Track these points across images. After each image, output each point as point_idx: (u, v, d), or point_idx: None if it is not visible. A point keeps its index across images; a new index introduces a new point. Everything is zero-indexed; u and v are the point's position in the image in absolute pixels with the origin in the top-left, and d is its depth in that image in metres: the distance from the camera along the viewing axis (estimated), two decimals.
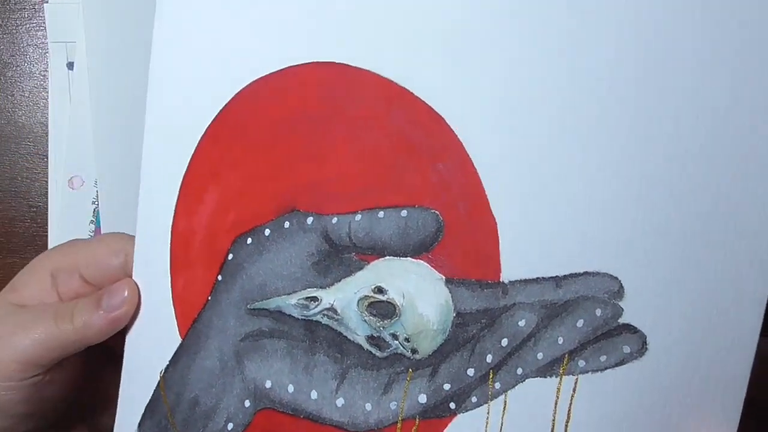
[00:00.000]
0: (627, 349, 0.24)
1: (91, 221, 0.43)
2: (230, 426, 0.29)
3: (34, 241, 0.45)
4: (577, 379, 0.25)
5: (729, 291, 0.23)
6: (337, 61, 0.28)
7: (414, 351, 0.27)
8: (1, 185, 0.43)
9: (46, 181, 0.43)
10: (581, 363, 0.24)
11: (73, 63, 0.42)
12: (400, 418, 0.26)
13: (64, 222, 0.42)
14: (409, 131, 0.27)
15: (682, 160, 0.24)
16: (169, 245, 0.30)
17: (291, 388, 0.28)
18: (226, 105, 0.29)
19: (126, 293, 0.30)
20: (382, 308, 0.27)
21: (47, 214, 0.43)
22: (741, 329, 0.23)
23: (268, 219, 0.29)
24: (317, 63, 0.28)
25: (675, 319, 0.24)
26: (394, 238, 0.27)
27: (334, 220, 0.27)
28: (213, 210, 0.29)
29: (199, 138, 0.30)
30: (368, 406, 0.27)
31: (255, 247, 0.29)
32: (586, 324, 0.24)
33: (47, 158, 0.42)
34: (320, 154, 0.28)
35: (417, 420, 0.26)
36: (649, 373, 0.24)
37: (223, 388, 0.29)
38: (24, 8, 0.43)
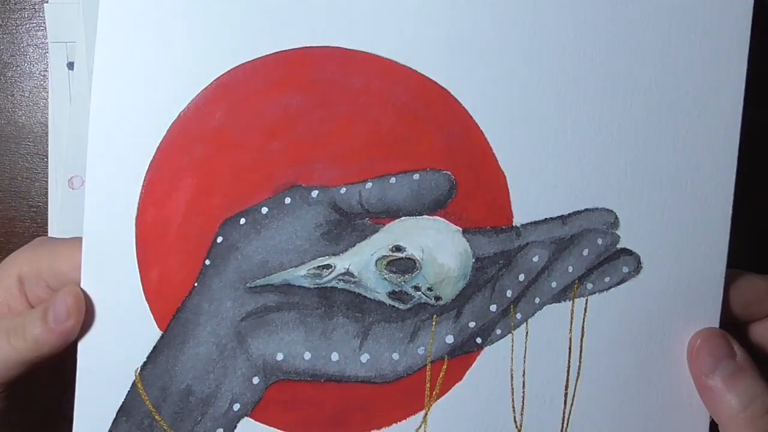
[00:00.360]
0: (626, 269, 0.29)
1: None
2: (236, 407, 0.29)
3: None
4: (587, 300, 0.29)
5: (698, 216, 0.29)
6: (331, 45, 0.29)
7: (438, 298, 0.29)
8: (1, 185, 0.43)
9: (46, 181, 0.43)
10: (589, 286, 0.29)
11: (73, 63, 0.42)
12: (429, 361, 0.30)
13: (64, 222, 0.42)
14: (413, 104, 0.29)
15: (652, 110, 0.28)
16: (134, 239, 0.29)
17: (308, 356, 0.29)
18: (203, 91, 0.30)
19: (70, 302, 0.29)
20: (401, 265, 0.29)
21: (47, 214, 0.42)
22: (712, 247, 0.29)
23: (262, 198, 0.29)
24: (308, 48, 0.29)
25: (661, 241, 0.28)
26: (408, 200, 0.29)
27: (343, 190, 0.29)
28: (192, 196, 0.29)
29: (168, 126, 0.29)
30: (395, 356, 0.29)
31: (251, 226, 0.29)
32: (591, 252, 0.29)
33: (47, 158, 0.42)
34: (319, 131, 0.29)
35: (446, 359, 0.29)
36: (645, 286, 0.29)
37: (223, 371, 0.29)
38: (24, 8, 0.42)
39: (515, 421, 0.29)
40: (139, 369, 0.29)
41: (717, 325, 0.28)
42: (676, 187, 0.28)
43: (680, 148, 0.28)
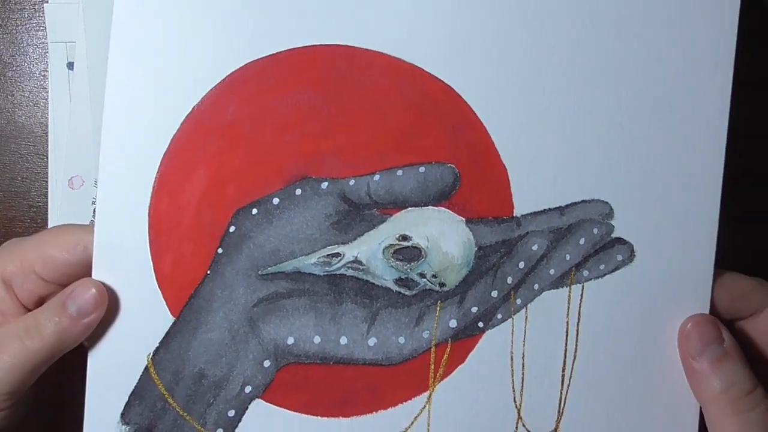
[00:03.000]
0: (620, 257, 0.31)
1: (92, 221, 0.43)
2: (248, 389, 0.31)
3: None
4: (583, 286, 0.31)
5: (689, 209, 0.31)
6: (341, 44, 0.31)
7: (442, 284, 0.32)
8: (1, 185, 0.44)
9: (46, 181, 0.43)
10: (585, 273, 0.31)
11: (73, 63, 0.42)
12: (433, 344, 0.32)
13: (64, 222, 0.41)
14: (419, 101, 0.31)
15: (643, 106, 0.31)
16: (146, 229, 0.31)
17: (317, 340, 0.31)
18: (215, 86, 0.32)
19: (93, 291, 0.29)
20: (407, 253, 0.32)
21: (47, 214, 0.43)
22: (701, 237, 0.31)
23: (274, 189, 0.31)
24: (318, 46, 0.31)
25: (653, 231, 0.31)
26: (415, 192, 0.31)
27: (352, 182, 0.32)
28: (204, 186, 0.31)
29: (181, 121, 0.31)
30: (401, 340, 0.31)
31: (263, 216, 0.31)
32: (587, 241, 0.31)
33: (47, 158, 0.43)
34: (329, 126, 0.32)
35: (449, 342, 0.32)
36: (639, 274, 0.31)
37: (235, 355, 0.31)
38: (24, 8, 0.43)
39: (515, 401, 0.32)
40: (151, 354, 0.31)
41: (707, 311, 0.31)
42: (667, 180, 0.31)
43: (671, 143, 0.31)
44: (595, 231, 0.31)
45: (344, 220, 0.32)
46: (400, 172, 0.31)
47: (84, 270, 0.31)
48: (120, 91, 0.32)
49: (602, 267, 0.31)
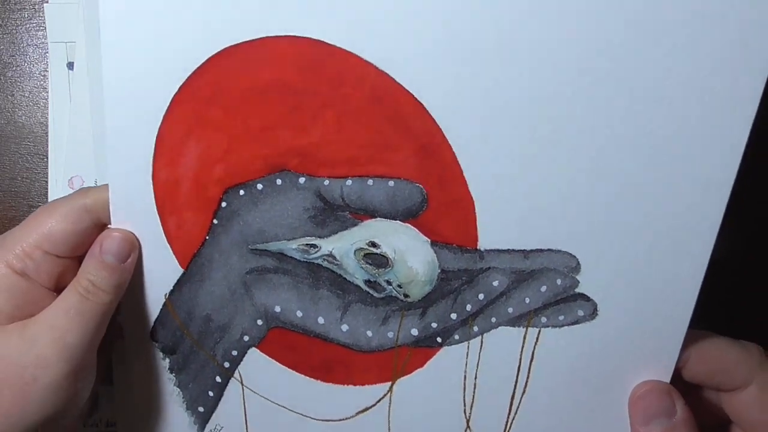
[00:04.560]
0: (581, 312, 0.29)
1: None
2: (246, 338, 0.35)
3: None
4: (539, 331, 0.30)
5: (666, 276, 0.28)
6: (313, 37, 0.30)
7: (406, 295, 0.33)
8: (1, 185, 0.44)
9: (46, 181, 0.43)
10: (543, 319, 0.30)
11: (73, 63, 0.42)
12: (396, 345, 0.34)
13: None
14: (391, 113, 0.29)
15: (632, 161, 0.27)
16: (152, 193, 0.33)
17: (299, 314, 0.33)
18: (199, 66, 0.32)
19: (120, 235, 0.31)
20: (376, 259, 0.32)
21: None
22: (676, 306, 0.29)
23: (258, 175, 0.32)
24: (294, 37, 0.30)
25: (622, 292, 0.28)
26: (384, 204, 0.31)
27: (326, 182, 0.32)
28: (197, 162, 0.32)
29: (170, 98, 0.32)
30: (369, 333, 0.33)
31: (248, 198, 0.32)
32: (549, 290, 0.30)
33: (47, 158, 0.43)
34: (304, 122, 0.31)
35: (410, 348, 0.33)
36: (599, 332, 0.30)
37: (234, 309, 0.34)
38: (24, 8, 0.43)
39: (465, 413, 0.33)
40: (168, 294, 0.35)
41: (667, 380, 0.29)
42: (647, 244, 0.27)
43: (658, 205, 0.27)
44: (559, 282, 0.29)
45: (320, 215, 0.33)
46: (370, 182, 0.31)
47: (91, 235, 0.32)
48: (116, 68, 0.33)
49: (561, 318, 0.30)
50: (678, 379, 0.30)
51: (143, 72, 0.32)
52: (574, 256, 0.28)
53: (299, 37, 0.30)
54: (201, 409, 0.38)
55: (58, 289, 0.34)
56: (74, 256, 0.33)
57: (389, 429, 0.35)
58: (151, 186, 0.34)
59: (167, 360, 0.37)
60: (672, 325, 0.28)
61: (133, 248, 0.32)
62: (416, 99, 0.29)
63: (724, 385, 0.29)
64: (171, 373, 0.37)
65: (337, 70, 0.30)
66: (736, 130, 0.26)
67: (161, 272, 0.35)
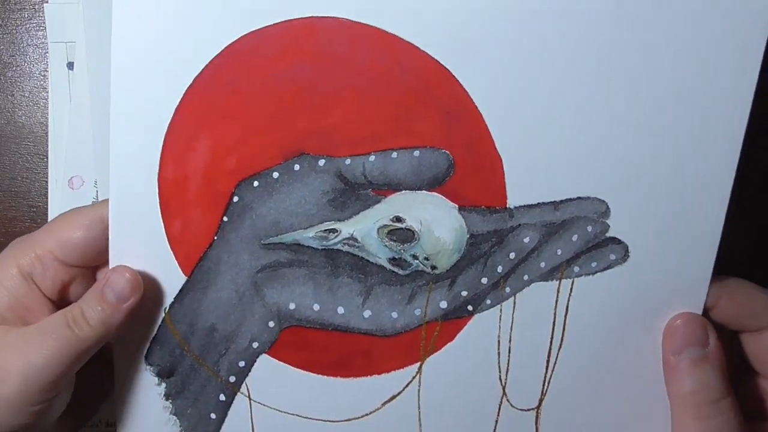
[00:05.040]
0: (613, 257, 0.31)
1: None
2: (255, 345, 0.34)
3: None
4: (573, 281, 0.32)
5: (691, 212, 0.30)
6: (332, 15, 0.30)
7: (434, 267, 0.33)
8: (1, 185, 0.44)
9: (46, 181, 0.43)
10: (576, 268, 0.31)
11: (73, 63, 0.42)
12: (424, 321, 0.34)
13: None
14: (416, 83, 0.30)
15: (654, 105, 0.29)
16: (157, 193, 0.32)
17: (316, 307, 0.33)
18: (215, 57, 0.32)
19: (128, 276, 0.31)
20: (401, 234, 0.32)
21: (47, 214, 0.44)
22: (702, 243, 0.31)
23: (273, 163, 0.32)
24: (315, 17, 0.31)
25: (651, 233, 0.30)
26: (409, 175, 0.32)
27: (348, 161, 0.32)
28: (208, 156, 0.32)
29: (183, 91, 0.32)
30: (394, 314, 0.33)
31: (263, 189, 0.32)
32: (580, 238, 0.31)
33: (47, 158, 0.43)
34: (326, 103, 0.32)
35: (439, 322, 0.33)
36: (632, 275, 0.31)
37: (242, 314, 0.33)
38: (24, 8, 0.43)
39: (500, 380, 0.33)
40: (167, 308, 0.34)
41: (700, 312, 0.30)
42: (671, 183, 0.30)
43: (680, 145, 0.29)
44: (589, 229, 0.31)
45: (340, 198, 0.33)
46: (394, 155, 0.32)
47: (103, 245, 0.32)
48: (125, 65, 0.32)
49: (594, 265, 0.31)
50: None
51: (154, 66, 0.32)
52: (604, 201, 0.30)
53: (317, 17, 0.31)
54: None
55: (58, 300, 0.33)
56: (82, 267, 0.32)
57: (420, 414, 0.35)
58: (156, 186, 0.33)
59: (162, 385, 0.35)
60: (700, 260, 0.30)
61: (134, 292, 0.31)
62: (442, 65, 0.30)
63: (749, 326, 0.31)
64: (167, 399, 0.35)
65: (357, 46, 0.31)
66: (750, 65, 0.29)
67: (161, 284, 0.34)
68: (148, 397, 0.35)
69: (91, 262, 0.33)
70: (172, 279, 0.34)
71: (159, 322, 0.34)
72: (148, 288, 0.33)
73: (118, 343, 0.35)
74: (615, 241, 0.30)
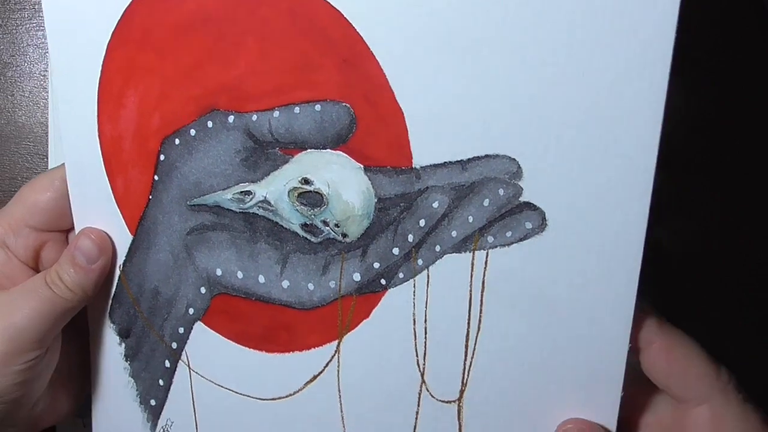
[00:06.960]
0: (529, 225, 0.27)
1: None
2: (191, 311, 0.33)
3: None
4: (487, 253, 0.28)
5: (619, 176, 0.25)
6: None
7: (344, 235, 0.30)
8: (1, 185, 0.45)
9: None
10: (490, 239, 0.27)
11: None
12: (339, 295, 0.31)
13: None
14: (313, 32, 0.28)
15: (569, 51, 0.24)
16: (99, 151, 0.33)
17: (240, 275, 0.32)
18: (126, 9, 0.31)
19: (93, 237, 0.32)
20: (310, 198, 0.30)
21: None
22: (630, 210, 0.25)
23: (191, 120, 0.31)
24: None
25: (571, 198, 0.26)
26: (312, 132, 0.29)
27: (254, 117, 0.30)
28: (136, 114, 0.32)
29: (106, 44, 0.32)
30: (311, 286, 0.31)
31: (183, 147, 0.31)
32: (492, 203, 0.27)
33: (47, 158, 0.43)
34: (229, 55, 0.30)
35: (354, 296, 0.31)
36: (551, 246, 0.27)
37: (179, 278, 0.33)
38: (24, 8, 0.44)
39: (418, 365, 0.30)
40: (121, 265, 0.34)
41: (633, 296, 0.26)
42: (591, 141, 0.25)
43: (601, 98, 0.24)
44: (501, 192, 0.27)
45: (251, 157, 0.31)
46: (297, 110, 0.29)
47: (67, 203, 0.33)
48: (56, 15, 0.32)
49: (509, 234, 0.27)
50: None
51: (80, 17, 0.31)
52: (515, 160, 0.26)
53: None
54: (153, 402, 0.36)
55: (35, 267, 0.34)
56: (53, 230, 0.33)
57: (340, 398, 0.32)
58: (98, 145, 0.33)
59: (123, 345, 0.36)
60: (627, 231, 0.25)
61: (102, 253, 0.32)
62: (332, 6, 0.27)
63: (676, 392, 0.27)
64: (126, 360, 0.36)
65: None
66: (666, 25, 0.24)
67: (116, 242, 0.34)
68: (114, 357, 0.36)
69: (61, 225, 0.34)
70: (121, 237, 0.34)
71: (117, 279, 0.35)
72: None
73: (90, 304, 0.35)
74: (530, 206, 0.26)
